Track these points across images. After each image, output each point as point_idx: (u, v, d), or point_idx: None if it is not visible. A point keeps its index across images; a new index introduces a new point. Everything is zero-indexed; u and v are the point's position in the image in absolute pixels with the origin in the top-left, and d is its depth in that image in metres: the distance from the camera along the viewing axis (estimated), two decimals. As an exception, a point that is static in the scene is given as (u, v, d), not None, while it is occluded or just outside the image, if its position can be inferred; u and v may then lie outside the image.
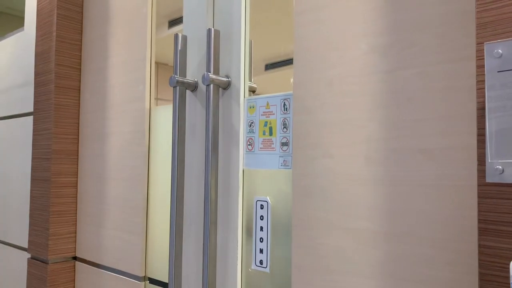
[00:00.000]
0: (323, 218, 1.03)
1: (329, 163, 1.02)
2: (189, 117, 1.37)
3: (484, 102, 0.72)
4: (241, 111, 1.24)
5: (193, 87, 1.36)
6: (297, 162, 1.07)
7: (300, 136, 1.07)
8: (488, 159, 0.71)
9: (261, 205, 1.20)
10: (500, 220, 0.71)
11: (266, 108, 1.21)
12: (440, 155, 0.86)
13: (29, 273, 1.83)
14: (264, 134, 1.20)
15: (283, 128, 1.16)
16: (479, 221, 0.73)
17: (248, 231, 1.23)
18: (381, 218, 0.94)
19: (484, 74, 0.71)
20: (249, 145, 1.24)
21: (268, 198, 1.19)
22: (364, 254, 0.96)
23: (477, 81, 0.72)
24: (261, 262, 1.19)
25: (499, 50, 0.69)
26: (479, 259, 0.73)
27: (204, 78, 1.23)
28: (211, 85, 1.24)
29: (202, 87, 1.35)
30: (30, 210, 1.84)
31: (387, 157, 0.93)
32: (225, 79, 1.26)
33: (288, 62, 1.19)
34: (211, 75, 1.23)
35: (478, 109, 0.72)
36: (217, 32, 1.28)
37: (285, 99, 1.16)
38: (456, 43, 0.86)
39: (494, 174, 0.71)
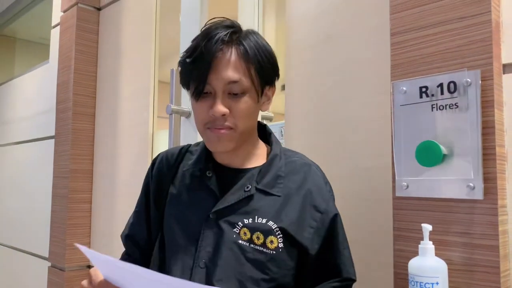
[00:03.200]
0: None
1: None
2: (184, 141, 1.56)
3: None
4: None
5: (187, 114, 1.55)
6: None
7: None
8: (396, 177, 0.86)
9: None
10: (406, 228, 0.86)
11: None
12: (376, 172, 1.02)
13: (49, 279, 2.04)
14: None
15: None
16: (394, 228, 0.89)
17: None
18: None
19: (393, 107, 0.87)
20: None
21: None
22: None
23: (391, 113, 0.88)
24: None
25: (404, 88, 0.85)
26: (394, 261, 0.88)
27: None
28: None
29: (193, 114, 1.54)
30: (51, 223, 2.06)
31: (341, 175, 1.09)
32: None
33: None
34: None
35: (392, 135, 0.88)
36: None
37: (281, 127, 1.34)
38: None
39: (401, 189, 0.86)
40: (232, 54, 0.84)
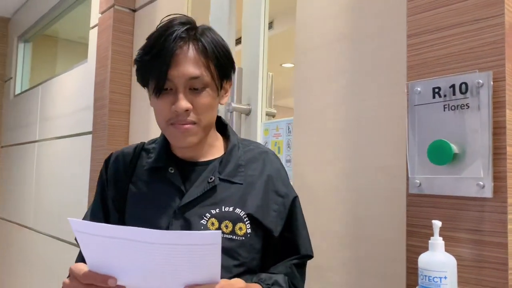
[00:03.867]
0: (311, 222, 1.22)
1: (317, 177, 1.22)
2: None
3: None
4: (258, 133, 1.49)
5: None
6: (295, 176, 1.28)
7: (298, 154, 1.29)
8: (409, 175, 0.89)
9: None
10: (419, 224, 0.88)
11: (276, 131, 1.44)
12: (392, 171, 1.04)
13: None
14: (270, 152, 1.43)
15: (288, 147, 1.39)
16: (407, 224, 0.91)
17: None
18: (352, 222, 1.13)
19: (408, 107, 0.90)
20: (256, 161, 1.46)
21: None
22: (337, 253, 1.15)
23: (407, 113, 0.91)
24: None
25: (418, 88, 0.88)
26: (407, 256, 0.91)
27: (228, 106, 1.49)
28: (234, 112, 1.50)
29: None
30: (87, 214, 2.17)
31: (355, 172, 1.12)
32: (246, 107, 1.51)
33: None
34: (234, 104, 1.49)
35: (407, 135, 0.91)
36: (240, 70, 1.54)
37: (289, 123, 1.39)
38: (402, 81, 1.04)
39: (414, 186, 0.88)
40: (191, 50, 0.85)
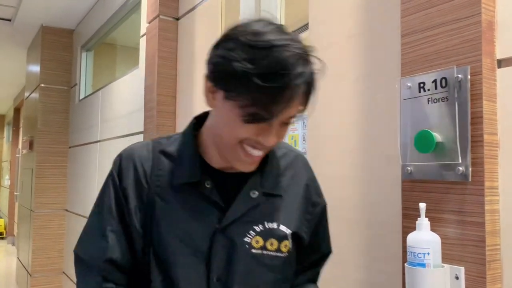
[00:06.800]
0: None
1: (330, 167, 1.33)
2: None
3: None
4: (277, 128, 1.61)
5: None
6: (310, 167, 1.40)
7: (312, 147, 1.40)
8: (401, 163, 0.98)
9: (290, 201, 1.55)
10: (412, 207, 0.97)
11: (292, 125, 1.55)
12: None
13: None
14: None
15: (303, 140, 1.50)
16: (402, 208, 1.00)
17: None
18: (359, 208, 1.22)
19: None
20: (283, 154, 1.59)
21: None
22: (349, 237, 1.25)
23: (399, 107, 1.00)
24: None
25: (408, 84, 0.97)
26: (402, 236, 1.00)
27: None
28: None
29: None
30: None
31: (363, 162, 1.22)
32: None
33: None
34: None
35: (399, 126, 1.00)
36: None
37: (304, 118, 1.50)
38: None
39: (406, 173, 0.97)
40: (301, 91, 0.75)
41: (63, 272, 4.14)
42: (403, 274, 0.99)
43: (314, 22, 1.42)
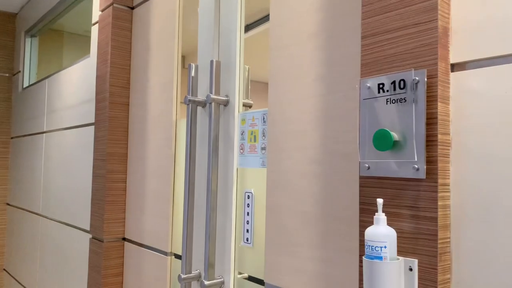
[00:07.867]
0: (284, 204, 1.36)
1: (289, 163, 1.35)
2: (200, 128, 1.76)
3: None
4: (235, 123, 1.61)
5: (203, 104, 1.74)
6: (269, 162, 1.42)
7: (272, 142, 1.42)
8: (360, 159, 1.01)
9: (248, 195, 1.56)
10: (369, 202, 1.01)
11: (252, 121, 1.56)
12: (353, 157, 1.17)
13: (90, 249, 2.32)
14: (251, 140, 1.56)
15: (263, 136, 1.51)
16: (360, 203, 1.04)
17: (239, 216, 1.59)
18: (317, 203, 1.26)
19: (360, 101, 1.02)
20: (241, 149, 1.59)
21: (252, 190, 1.54)
22: (307, 230, 1.28)
23: (359, 106, 1.03)
24: (247, 239, 1.55)
25: (368, 84, 1.00)
26: (360, 230, 1.04)
27: (207, 97, 1.61)
28: (212, 103, 1.62)
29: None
30: (91, 200, 2.33)
31: (323, 159, 1.25)
32: (224, 98, 1.64)
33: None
34: (212, 96, 1.61)
35: (358, 125, 1.03)
36: (218, 63, 1.66)
37: (264, 114, 1.51)
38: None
39: (364, 170, 1.01)
40: None
41: (4, 269, 3.94)
42: (360, 266, 1.03)
43: (275, 21, 1.43)
